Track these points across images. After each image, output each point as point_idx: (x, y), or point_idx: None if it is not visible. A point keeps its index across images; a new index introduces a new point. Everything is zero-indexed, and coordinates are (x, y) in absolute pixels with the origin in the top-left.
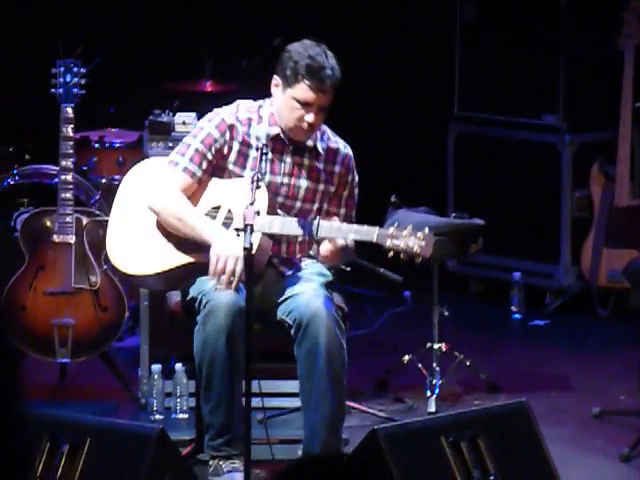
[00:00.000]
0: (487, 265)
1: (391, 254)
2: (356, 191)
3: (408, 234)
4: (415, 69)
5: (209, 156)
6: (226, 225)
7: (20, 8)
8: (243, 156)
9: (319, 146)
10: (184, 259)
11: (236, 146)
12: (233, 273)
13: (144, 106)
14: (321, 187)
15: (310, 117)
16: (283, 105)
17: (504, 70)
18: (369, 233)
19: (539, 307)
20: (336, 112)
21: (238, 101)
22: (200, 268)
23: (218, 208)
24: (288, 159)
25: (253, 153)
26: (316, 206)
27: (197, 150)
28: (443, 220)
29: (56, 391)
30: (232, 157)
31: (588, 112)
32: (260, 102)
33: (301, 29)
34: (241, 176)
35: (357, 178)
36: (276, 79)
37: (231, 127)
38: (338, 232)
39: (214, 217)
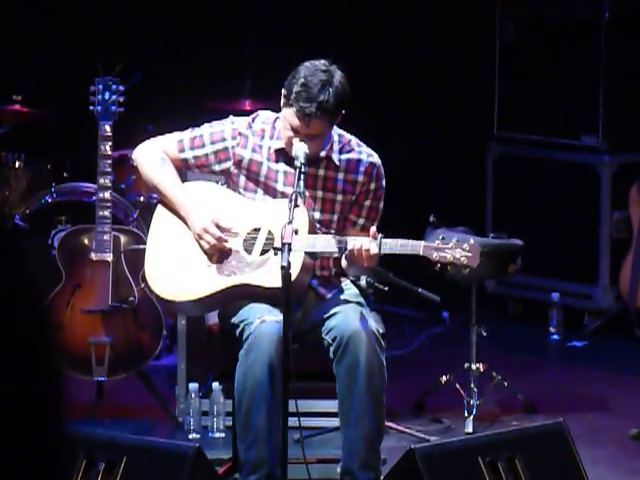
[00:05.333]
0: (525, 286)
1: (438, 266)
2: (380, 203)
3: (454, 246)
4: (455, 89)
5: (208, 149)
6: (268, 246)
7: (59, 25)
8: (255, 167)
9: (334, 157)
10: (222, 285)
11: (246, 155)
12: (216, 242)
13: (182, 124)
14: (339, 197)
15: (296, 142)
16: (282, 120)
17: (543, 90)
18: (415, 246)
19: (577, 328)
20: (376, 131)
21: (259, 111)
22: (238, 293)
23: (258, 230)
24: None
25: (266, 165)
26: (336, 217)
27: (201, 136)
28: (482, 240)
29: (93, 409)
30: (244, 166)
31: (627, 133)
32: (279, 114)
33: (340, 47)
34: (254, 189)
35: (383, 189)
36: (283, 91)
37: (242, 135)
38: (384, 246)
39: (255, 239)
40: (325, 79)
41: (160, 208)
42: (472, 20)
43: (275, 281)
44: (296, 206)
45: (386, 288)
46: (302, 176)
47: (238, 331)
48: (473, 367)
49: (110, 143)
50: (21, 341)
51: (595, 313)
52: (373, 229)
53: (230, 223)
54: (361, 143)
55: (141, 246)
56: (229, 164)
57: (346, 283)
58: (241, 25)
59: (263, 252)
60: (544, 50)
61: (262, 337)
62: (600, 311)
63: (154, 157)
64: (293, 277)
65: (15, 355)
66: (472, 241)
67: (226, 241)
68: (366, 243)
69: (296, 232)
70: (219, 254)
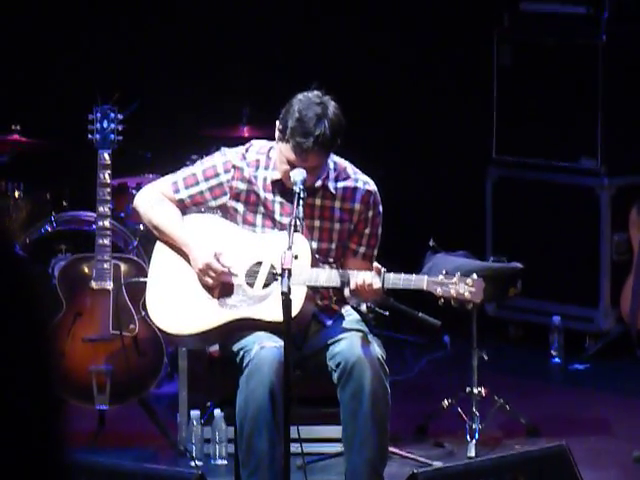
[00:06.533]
0: (526, 309)
1: (442, 301)
2: (379, 229)
3: (457, 281)
4: (453, 113)
5: (203, 186)
6: (270, 280)
7: (57, 54)
8: (253, 199)
9: (330, 186)
10: (224, 319)
11: (242, 187)
12: (219, 277)
13: (181, 152)
14: (337, 226)
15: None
16: (277, 154)
17: (541, 113)
18: (419, 281)
19: (579, 351)
20: (374, 155)
21: (252, 141)
22: (239, 326)
23: (260, 263)
24: None
25: (263, 196)
26: (334, 245)
27: (194, 175)
28: (482, 264)
29: (95, 438)
30: (242, 198)
31: (626, 155)
32: (273, 143)
33: (337, 71)
34: (253, 220)
35: (380, 215)
36: (277, 125)
37: (235, 167)
38: (387, 281)
39: (256, 272)
40: (320, 112)
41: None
42: (469, 43)
43: (277, 315)
44: (295, 231)
45: (386, 313)
46: (301, 201)
47: (238, 358)
48: (475, 391)
49: (109, 171)
50: (24, 367)
51: (596, 336)
52: (376, 264)
53: (231, 257)
54: (356, 170)
55: (142, 279)
56: (225, 199)
57: (347, 309)
58: (238, 52)
59: (265, 285)
60: (542, 73)
61: (262, 363)
62: (601, 333)
63: (152, 200)
64: (297, 311)
65: (17, 383)
66: (475, 276)
67: (229, 275)
68: (369, 278)
69: (296, 257)
70: (221, 288)
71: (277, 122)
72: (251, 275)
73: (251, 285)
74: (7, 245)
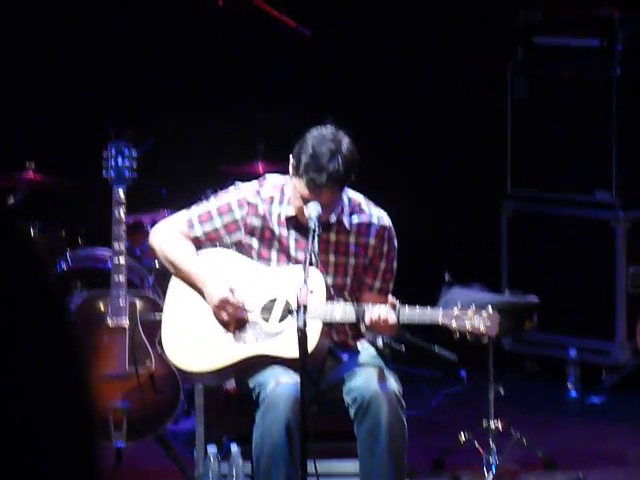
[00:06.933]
0: (542, 343)
1: (457, 335)
2: (394, 264)
3: (472, 314)
4: (468, 147)
5: (217, 223)
6: (285, 315)
7: (70, 91)
8: (268, 235)
9: (345, 221)
10: (239, 356)
11: (257, 223)
12: (234, 312)
13: (197, 188)
14: (352, 261)
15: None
16: (292, 190)
17: (556, 147)
18: (434, 315)
19: (595, 384)
20: (389, 190)
21: (266, 175)
22: (255, 363)
23: (275, 300)
24: None
25: (278, 231)
26: (349, 280)
27: (208, 211)
28: (497, 298)
29: (112, 475)
30: (257, 235)
31: None
32: (287, 178)
33: (350, 105)
34: (268, 255)
35: (395, 249)
36: (291, 160)
37: (249, 204)
38: (403, 316)
39: (272, 308)
40: (334, 148)
41: (175, 278)
42: (484, 76)
43: (293, 350)
44: (310, 264)
45: (403, 348)
46: (316, 237)
47: (255, 394)
48: (491, 425)
49: (124, 208)
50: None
51: (613, 369)
52: (392, 299)
53: (246, 292)
54: (370, 203)
55: (158, 315)
56: (240, 235)
57: (363, 344)
58: (253, 87)
59: (280, 320)
60: (556, 106)
61: (278, 398)
62: (618, 366)
63: (167, 236)
64: (313, 347)
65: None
66: (490, 309)
67: (244, 311)
68: (384, 313)
69: (311, 292)
70: (237, 324)
71: (291, 157)
72: (266, 310)
73: (266, 320)
74: (46, 277)
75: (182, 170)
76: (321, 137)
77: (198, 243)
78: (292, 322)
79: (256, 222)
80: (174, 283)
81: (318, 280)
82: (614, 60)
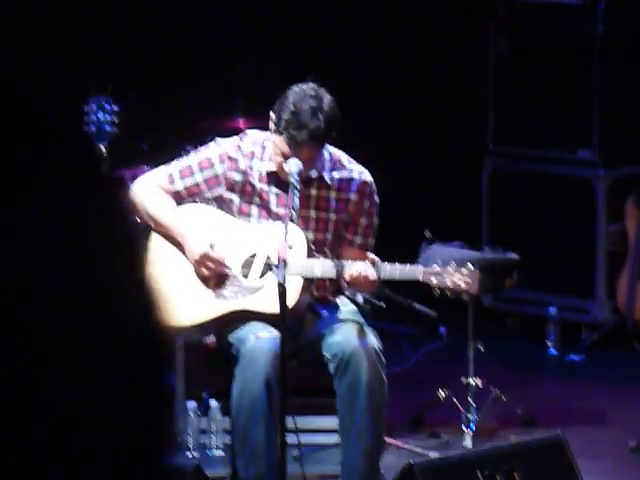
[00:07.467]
0: (522, 300)
1: (437, 292)
2: (375, 219)
3: (453, 271)
4: (450, 104)
5: (198, 177)
6: (265, 270)
7: (49, 46)
8: (249, 190)
9: (326, 176)
10: (220, 311)
11: (238, 178)
12: (214, 267)
13: (177, 143)
14: (332, 216)
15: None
16: (272, 146)
17: (538, 104)
18: (414, 272)
19: (575, 342)
20: (370, 146)
21: (247, 131)
22: (236, 318)
23: (255, 255)
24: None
25: (258, 187)
26: (330, 235)
27: (189, 166)
28: (477, 255)
29: None
30: (237, 189)
31: (622, 146)
32: (267, 134)
33: (332, 62)
34: (249, 211)
35: (377, 205)
36: (272, 116)
37: (231, 158)
38: (383, 272)
39: (252, 263)
40: (315, 105)
41: (155, 234)
42: (466, 34)
43: (273, 306)
44: (291, 220)
45: (383, 304)
46: (296, 192)
47: (234, 349)
48: (471, 382)
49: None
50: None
51: (592, 327)
52: (372, 255)
53: (227, 248)
54: (351, 160)
55: None
56: (221, 190)
57: (343, 300)
58: (232, 43)
59: (260, 276)
60: (539, 64)
61: (258, 353)
62: (597, 324)
63: (148, 191)
64: (293, 303)
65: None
66: (471, 266)
67: (226, 266)
68: (364, 269)
69: (290, 247)
70: (217, 279)
71: (271, 113)
72: (246, 266)
73: (246, 276)
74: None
75: (162, 126)
76: (302, 93)
77: (179, 198)
78: (272, 277)
79: (237, 177)
80: (154, 238)
81: (298, 236)
82: (596, 17)
